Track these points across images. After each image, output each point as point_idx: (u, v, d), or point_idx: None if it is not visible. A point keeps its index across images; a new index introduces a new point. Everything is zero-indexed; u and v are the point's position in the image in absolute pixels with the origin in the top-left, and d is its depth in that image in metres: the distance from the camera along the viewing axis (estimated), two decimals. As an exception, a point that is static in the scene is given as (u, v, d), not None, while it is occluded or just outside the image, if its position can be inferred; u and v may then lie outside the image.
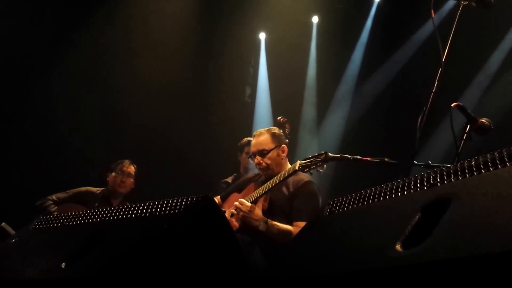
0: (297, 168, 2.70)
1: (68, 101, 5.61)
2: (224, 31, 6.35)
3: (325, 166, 2.68)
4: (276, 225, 2.77)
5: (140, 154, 4.93)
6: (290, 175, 2.76)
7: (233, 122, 6.17)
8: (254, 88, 6.93)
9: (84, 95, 5.65)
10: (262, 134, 3.11)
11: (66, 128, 5.62)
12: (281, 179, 2.79)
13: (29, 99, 5.47)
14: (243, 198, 2.97)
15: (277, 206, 2.92)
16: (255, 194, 2.89)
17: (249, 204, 2.78)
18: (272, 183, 2.82)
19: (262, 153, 3.03)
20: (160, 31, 6.02)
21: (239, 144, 4.44)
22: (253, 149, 3.11)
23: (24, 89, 5.43)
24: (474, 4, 2.48)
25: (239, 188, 3.22)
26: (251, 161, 4.24)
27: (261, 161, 3.04)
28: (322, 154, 2.68)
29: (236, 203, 2.78)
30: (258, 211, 2.75)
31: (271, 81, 6.73)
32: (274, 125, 3.99)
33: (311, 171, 2.72)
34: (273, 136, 3.09)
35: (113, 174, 4.17)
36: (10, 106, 5.41)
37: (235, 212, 2.87)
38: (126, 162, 4.24)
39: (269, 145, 3.04)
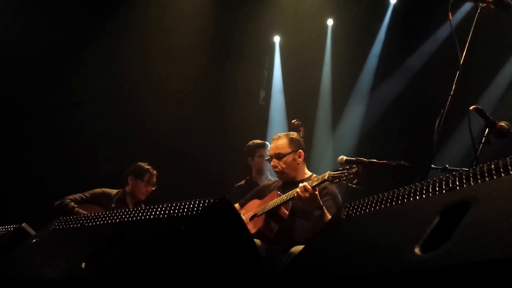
0: (326, 178, 2.64)
1: (84, 104, 5.69)
2: (239, 34, 6.37)
3: (355, 180, 2.53)
4: (327, 214, 2.71)
5: (153, 157, 4.95)
6: (318, 184, 2.69)
7: (248, 125, 6.17)
8: (268, 91, 6.93)
9: (100, 97, 5.72)
10: (280, 138, 3.17)
11: (83, 130, 5.69)
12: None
13: (47, 103, 5.56)
14: (265, 204, 3.00)
15: (300, 210, 2.90)
16: (284, 197, 2.85)
17: (311, 189, 2.69)
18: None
19: (278, 156, 3.09)
20: (175, 34, 6.07)
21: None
22: (270, 152, 3.19)
23: (42, 93, 5.52)
24: (492, 6, 2.46)
25: (259, 195, 3.24)
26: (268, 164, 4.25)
27: (277, 164, 3.10)
28: (354, 167, 2.57)
29: (301, 185, 2.69)
30: (318, 197, 2.70)
31: (285, 84, 6.73)
32: (289, 129, 3.98)
33: (341, 183, 2.60)
34: (291, 140, 3.13)
35: (139, 181, 4.16)
36: (29, 109, 5.50)
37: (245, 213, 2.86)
38: (151, 170, 4.20)
39: (286, 149, 3.09)
